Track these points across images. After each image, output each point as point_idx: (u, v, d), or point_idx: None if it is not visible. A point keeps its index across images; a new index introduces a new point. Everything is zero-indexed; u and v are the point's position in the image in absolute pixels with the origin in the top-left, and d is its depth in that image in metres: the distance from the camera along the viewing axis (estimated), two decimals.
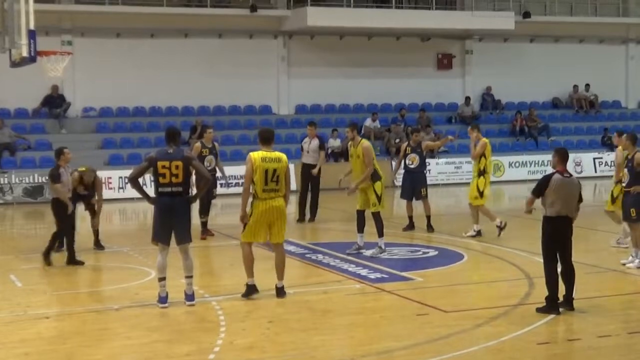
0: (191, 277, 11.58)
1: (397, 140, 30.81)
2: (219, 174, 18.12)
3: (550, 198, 10.75)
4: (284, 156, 11.81)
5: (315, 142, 20.21)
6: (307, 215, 20.19)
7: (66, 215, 14.87)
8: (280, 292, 11.91)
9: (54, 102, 29.27)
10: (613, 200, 15.39)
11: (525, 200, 11.16)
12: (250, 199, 11.76)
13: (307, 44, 32.81)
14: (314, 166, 19.99)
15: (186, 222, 11.72)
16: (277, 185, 11.65)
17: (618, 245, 15.58)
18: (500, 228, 17.17)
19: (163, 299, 11.46)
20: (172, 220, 11.45)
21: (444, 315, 10.88)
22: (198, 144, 17.97)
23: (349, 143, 15.63)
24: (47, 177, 15.93)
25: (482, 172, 17.46)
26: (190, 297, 11.53)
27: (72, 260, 14.84)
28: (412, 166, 18.19)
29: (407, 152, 18.29)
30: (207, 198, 17.30)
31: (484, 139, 17.78)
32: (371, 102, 33.50)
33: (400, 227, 18.31)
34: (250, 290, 11.82)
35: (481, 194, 17.44)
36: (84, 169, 15.98)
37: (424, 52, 34.44)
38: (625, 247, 15.07)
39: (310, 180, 20.10)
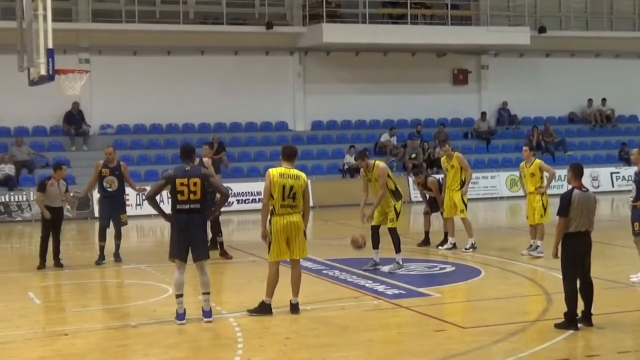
0: (208, 293, 11.59)
1: (413, 156, 30.82)
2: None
3: (570, 214, 10.70)
4: (303, 174, 11.84)
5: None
6: None
7: (46, 222, 16.21)
8: (294, 308, 11.92)
9: (74, 120, 29.34)
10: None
11: (555, 237, 10.87)
12: (269, 216, 11.79)
13: (322, 60, 32.89)
14: None
15: (203, 239, 11.81)
16: (294, 202, 11.69)
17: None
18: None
19: (181, 316, 11.47)
20: (189, 237, 11.47)
21: (462, 331, 10.86)
22: (99, 162, 17.04)
23: (363, 171, 15.58)
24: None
25: (462, 184, 17.56)
26: (207, 313, 11.54)
27: (41, 266, 16.16)
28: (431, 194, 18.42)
29: (422, 190, 18.70)
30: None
31: (457, 152, 18.13)
32: (387, 118, 33.51)
33: (416, 243, 18.30)
34: (265, 309, 11.79)
35: (466, 206, 17.64)
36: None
37: (439, 68, 34.44)
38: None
39: None
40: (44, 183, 16.34)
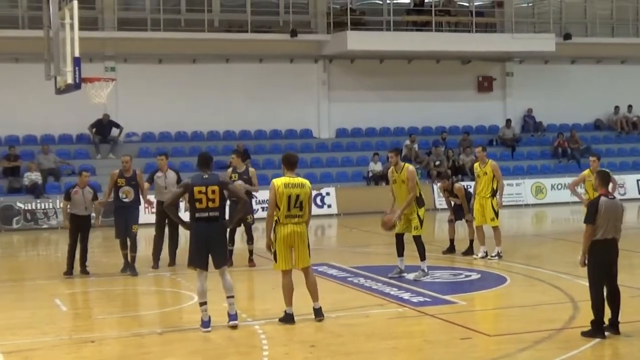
0: (232, 297, 11.62)
1: (437, 163, 30.74)
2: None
3: (597, 222, 10.65)
4: (307, 182, 11.80)
5: (172, 175, 17.35)
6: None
7: (71, 229, 16.39)
8: (317, 313, 11.91)
9: (103, 130, 29.43)
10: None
11: (582, 245, 10.73)
12: (274, 225, 11.78)
13: (347, 67, 32.91)
14: None
15: (223, 246, 11.84)
16: (301, 211, 11.65)
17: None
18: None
19: (206, 323, 11.49)
20: (209, 245, 11.50)
21: (488, 339, 10.82)
22: (115, 172, 16.61)
23: (392, 168, 15.52)
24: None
25: (494, 192, 17.41)
26: (233, 317, 11.58)
27: (68, 272, 16.25)
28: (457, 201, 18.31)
29: (447, 197, 18.50)
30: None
31: (492, 160, 17.94)
32: (412, 125, 33.48)
33: (441, 250, 18.26)
34: (288, 319, 11.79)
35: (497, 214, 17.49)
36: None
37: (464, 75, 34.38)
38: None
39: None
40: (68, 191, 16.46)
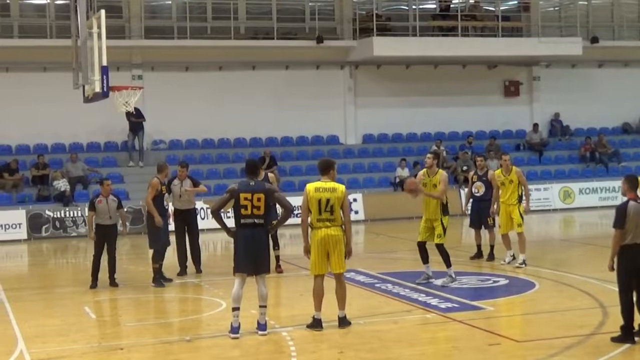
0: (265, 307, 11.67)
1: (465, 168, 30.66)
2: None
3: (626, 226, 10.58)
4: (340, 187, 11.84)
5: (188, 183, 17.40)
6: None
7: (97, 239, 16.10)
8: (341, 322, 11.93)
9: (133, 123, 29.14)
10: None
11: (611, 250, 10.66)
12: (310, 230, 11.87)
13: (373, 73, 32.91)
14: (189, 211, 17.41)
15: (266, 252, 11.86)
16: (332, 215, 11.70)
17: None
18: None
19: (235, 329, 11.52)
20: (253, 251, 11.59)
21: (517, 345, 10.78)
22: (156, 181, 16.13)
23: (424, 171, 15.46)
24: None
25: (520, 199, 17.24)
26: (262, 326, 11.61)
27: (93, 285, 15.94)
28: (478, 194, 18.03)
29: (473, 180, 18.20)
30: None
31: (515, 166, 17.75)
32: (438, 131, 33.44)
33: (468, 256, 18.21)
34: (315, 324, 11.84)
35: (523, 220, 17.34)
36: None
37: (490, 80, 34.30)
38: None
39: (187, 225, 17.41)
40: (92, 201, 16.15)
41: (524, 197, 17.35)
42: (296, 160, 31.16)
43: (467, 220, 19.72)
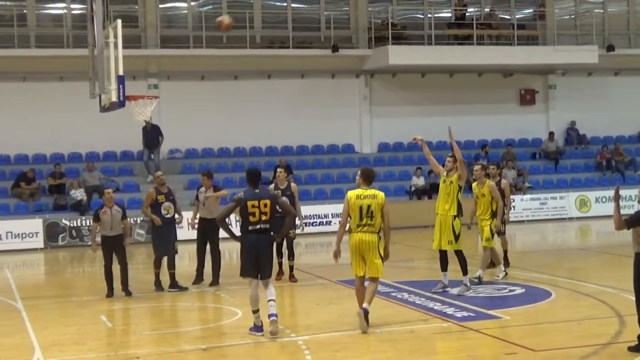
0: (274, 300, 12.04)
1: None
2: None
3: None
4: (380, 193, 12.40)
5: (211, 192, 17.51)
6: None
7: (103, 250, 16.01)
8: (364, 314, 12.14)
9: (150, 138, 28.72)
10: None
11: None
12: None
13: (388, 82, 32.92)
14: (210, 220, 16.67)
15: (271, 258, 12.41)
16: (372, 221, 12.20)
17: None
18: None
19: (259, 328, 12.01)
20: (259, 256, 12.03)
21: (533, 355, 10.74)
22: (152, 190, 16.68)
23: (446, 173, 15.43)
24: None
25: (494, 214, 16.60)
26: (273, 315, 11.95)
27: (109, 293, 15.84)
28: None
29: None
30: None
31: (489, 181, 16.99)
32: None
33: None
34: (363, 316, 12.24)
35: (492, 235, 16.51)
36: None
37: (506, 88, 34.25)
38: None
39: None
40: (97, 212, 16.04)
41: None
42: (312, 169, 31.18)
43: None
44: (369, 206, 12.18)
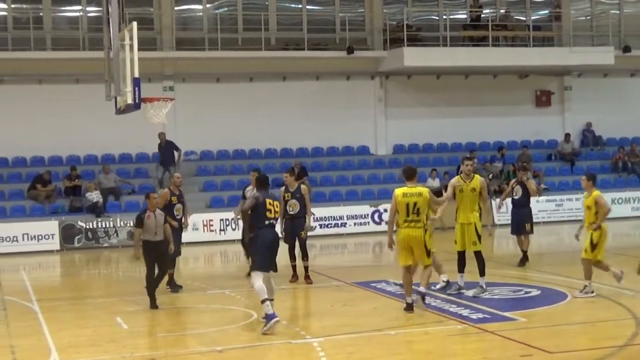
0: (272, 300, 12.65)
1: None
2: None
3: None
4: (425, 190, 13.42)
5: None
6: None
7: (147, 257, 14.94)
8: (423, 297, 13.56)
9: (165, 153, 28.33)
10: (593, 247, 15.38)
11: None
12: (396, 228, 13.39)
13: (404, 84, 32.89)
14: None
15: (277, 252, 13.21)
16: (418, 217, 13.20)
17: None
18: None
19: (272, 315, 12.32)
20: (275, 251, 13.02)
21: (549, 357, 10.71)
22: (167, 191, 16.76)
23: (462, 176, 15.30)
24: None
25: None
26: (270, 316, 12.32)
27: (153, 305, 14.99)
28: (516, 197, 18.76)
29: (513, 185, 18.93)
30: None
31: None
32: (469, 141, 33.32)
33: (500, 266, 18.12)
34: (408, 308, 13.46)
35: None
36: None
37: (522, 90, 34.16)
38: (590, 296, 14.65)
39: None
40: (141, 217, 15.02)
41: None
42: (327, 170, 31.18)
43: (499, 231, 19.65)
44: (415, 203, 13.11)
